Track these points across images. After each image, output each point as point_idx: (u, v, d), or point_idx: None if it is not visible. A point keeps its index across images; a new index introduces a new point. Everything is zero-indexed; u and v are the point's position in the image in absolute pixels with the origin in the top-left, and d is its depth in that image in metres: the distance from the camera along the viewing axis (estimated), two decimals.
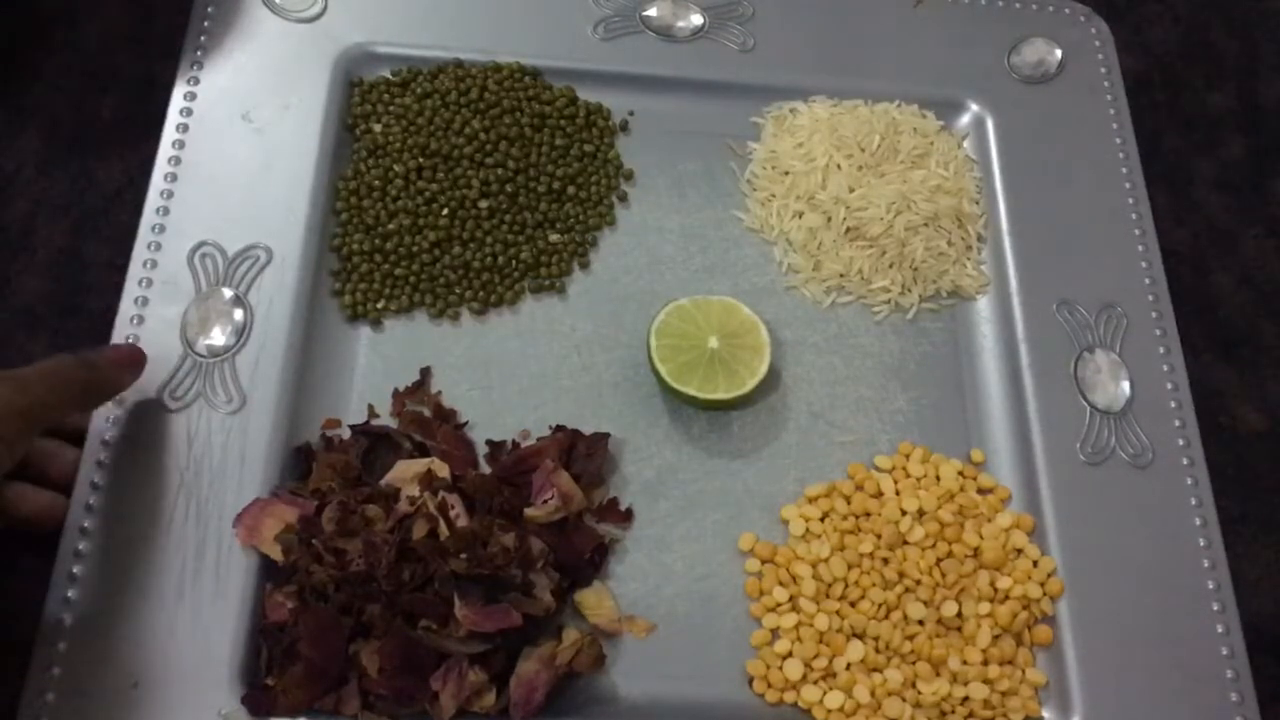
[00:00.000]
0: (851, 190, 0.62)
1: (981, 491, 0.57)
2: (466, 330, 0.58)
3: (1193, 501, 0.56)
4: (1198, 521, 0.56)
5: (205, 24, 0.62)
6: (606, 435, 0.55)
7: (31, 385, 0.45)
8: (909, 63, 0.67)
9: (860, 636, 0.52)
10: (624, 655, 0.51)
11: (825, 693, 0.51)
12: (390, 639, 0.47)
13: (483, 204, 0.60)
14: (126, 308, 0.55)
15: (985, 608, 0.53)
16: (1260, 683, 0.52)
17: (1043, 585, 0.54)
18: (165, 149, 0.59)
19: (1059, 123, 0.66)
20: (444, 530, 0.49)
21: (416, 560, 0.48)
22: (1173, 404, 0.59)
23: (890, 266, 0.61)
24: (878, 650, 0.52)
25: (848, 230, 0.62)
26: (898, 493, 0.56)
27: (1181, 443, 0.58)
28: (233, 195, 0.58)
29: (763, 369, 0.56)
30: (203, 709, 0.47)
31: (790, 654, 0.52)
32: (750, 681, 0.51)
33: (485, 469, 0.54)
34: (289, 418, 0.54)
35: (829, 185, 0.62)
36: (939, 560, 0.54)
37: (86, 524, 0.49)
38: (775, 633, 0.52)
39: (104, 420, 0.52)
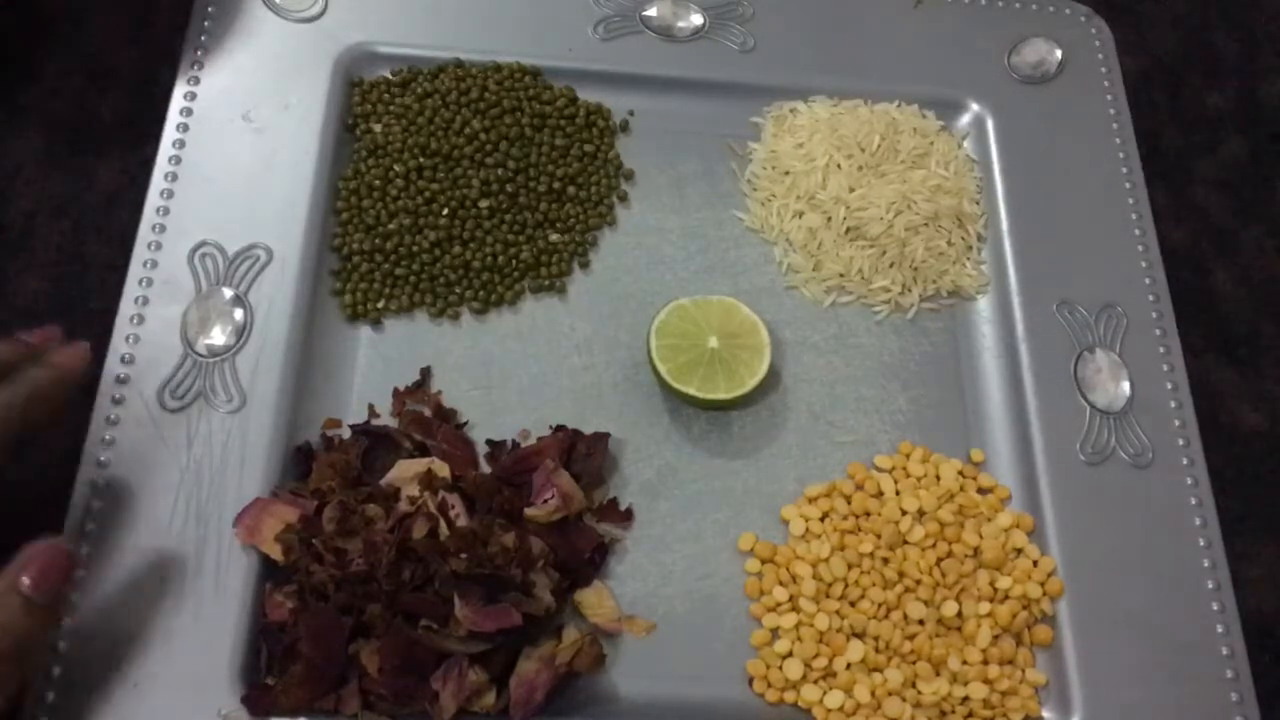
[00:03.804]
0: (851, 190, 0.62)
1: (981, 491, 0.57)
2: (466, 330, 0.58)
3: (1193, 501, 0.56)
4: (1198, 521, 0.56)
5: (205, 24, 0.62)
6: (606, 435, 0.55)
7: None
8: (909, 63, 0.67)
9: (860, 636, 0.52)
10: (624, 655, 0.51)
11: (825, 693, 0.51)
12: (390, 639, 0.47)
13: (483, 204, 0.60)
14: (126, 308, 0.55)
15: (985, 608, 0.53)
16: (1260, 683, 0.53)
17: (1043, 585, 0.54)
18: (165, 149, 0.59)
19: (1059, 123, 0.66)
20: (444, 530, 0.49)
21: (416, 560, 0.48)
22: (1173, 404, 0.59)
23: (890, 266, 0.61)
24: (878, 650, 0.52)
25: (848, 230, 0.62)
26: (898, 493, 0.56)
27: (1181, 443, 0.58)
28: (233, 195, 0.58)
29: (763, 369, 0.56)
30: (203, 709, 0.47)
31: (790, 654, 0.52)
32: (750, 681, 0.51)
33: (485, 469, 0.54)
34: (289, 418, 0.54)
35: (829, 185, 0.62)
36: (939, 560, 0.54)
37: (86, 524, 0.49)
38: (775, 633, 0.52)
39: (104, 420, 0.52)
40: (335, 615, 0.47)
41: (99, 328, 0.55)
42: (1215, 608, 0.54)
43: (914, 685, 0.51)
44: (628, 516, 0.54)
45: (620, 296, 0.60)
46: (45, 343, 0.47)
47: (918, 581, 0.53)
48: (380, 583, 0.47)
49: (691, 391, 0.55)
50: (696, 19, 0.67)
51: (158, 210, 0.57)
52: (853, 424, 0.58)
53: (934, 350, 0.61)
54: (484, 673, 0.47)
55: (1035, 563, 0.54)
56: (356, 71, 0.63)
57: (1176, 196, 0.68)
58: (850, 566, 0.53)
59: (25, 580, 0.41)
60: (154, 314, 0.55)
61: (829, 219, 0.62)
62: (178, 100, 0.60)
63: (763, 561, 0.54)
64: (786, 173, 0.63)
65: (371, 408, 0.55)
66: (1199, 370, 0.61)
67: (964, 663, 0.52)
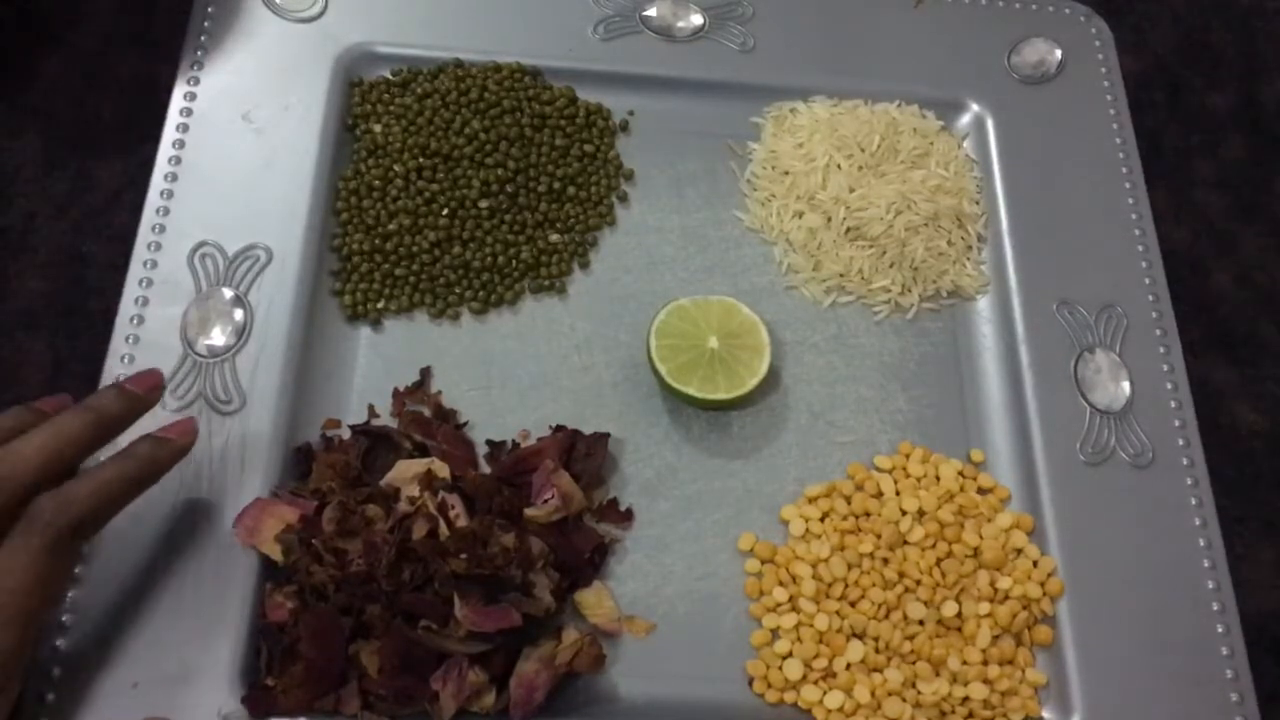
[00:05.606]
0: (851, 190, 0.62)
1: (981, 491, 0.57)
2: (466, 330, 0.58)
3: (1193, 501, 0.56)
4: (1198, 521, 0.56)
5: (205, 24, 0.62)
6: (606, 435, 0.55)
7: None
8: (909, 63, 0.67)
9: (860, 636, 0.52)
10: (624, 655, 0.51)
11: (825, 693, 0.51)
12: (390, 639, 0.47)
13: (483, 204, 0.60)
14: (126, 308, 0.55)
15: (985, 608, 0.53)
16: (1260, 683, 0.52)
17: (1043, 585, 0.54)
18: (165, 149, 0.59)
19: (1059, 123, 0.66)
20: (444, 530, 0.49)
21: (416, 560, 0.48)
22: (1173, 404, 0.59)
23: (890, 266, 0.61)
24: (878, 650, 0.52)
25: (848, 230, 0.62)
26: (898, 493, 0.56)
27: (1181, 443, 0.58)
28: (233, 195, 0.58)
29: (763, 369, 0.56)
30: (203, 709, 0.47)
31: (790, 654, 0.52)
32: (750, 681, 0.51)
33: (485, 469, 0.54)
34: (289, 418, 0.54)
35: (829, 185, 0.62)
36: (939, 560, 0.54)
37: None
38: (775, 633, 0.52)
39: None
40: (335, 615, 0.47)
41: (99, 328, 0.55)
42: (1215, 608, 0.54)
43: (914, 685, 0.51)
44: (628, 516, 0.54)
45: (620, 296, 0.60)
46: (149, 390, 0.48)
47: (918, 582, 0.53)
48: (380, 583, 0.47)
49: (691, 391, 0.55)
50: (696, 19, 0.67)
51: (158, 210, 0.57)
52: (853, 424, 0.58)
53: (934, 350, 0.61)
54: (484, 673, 0.47)
55: (1035, 563, 0.54)
56: (356, 71, 0.63)
57: (1176, 196, 0.68)
58: (850, 567, 0.53)
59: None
60: (154, 314, 0.55)
61: (829, 219, 0.62)
62: (178, 100, 0.60)
63: (762, 562, 0.54)
64: (786, 173, 0.63)
65: (371, 408, 0.55)
66: (1199, 370, 0.61)
67: (964, 663, 0.52)
